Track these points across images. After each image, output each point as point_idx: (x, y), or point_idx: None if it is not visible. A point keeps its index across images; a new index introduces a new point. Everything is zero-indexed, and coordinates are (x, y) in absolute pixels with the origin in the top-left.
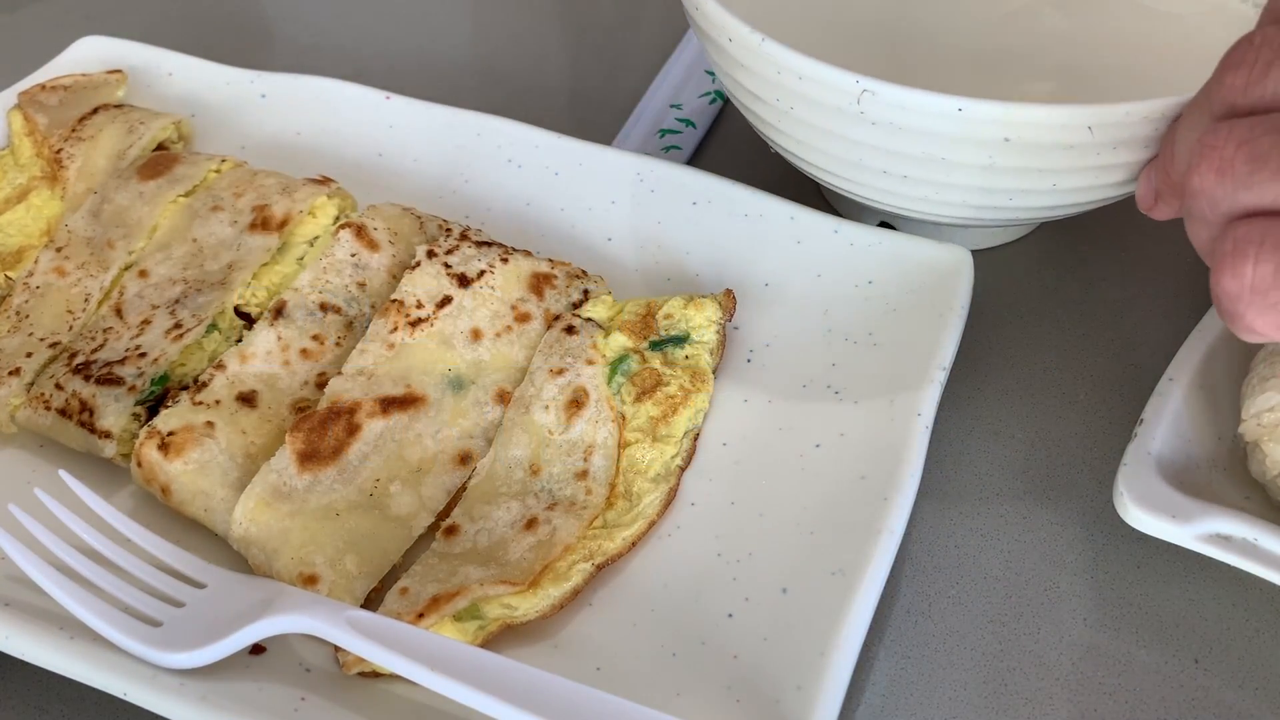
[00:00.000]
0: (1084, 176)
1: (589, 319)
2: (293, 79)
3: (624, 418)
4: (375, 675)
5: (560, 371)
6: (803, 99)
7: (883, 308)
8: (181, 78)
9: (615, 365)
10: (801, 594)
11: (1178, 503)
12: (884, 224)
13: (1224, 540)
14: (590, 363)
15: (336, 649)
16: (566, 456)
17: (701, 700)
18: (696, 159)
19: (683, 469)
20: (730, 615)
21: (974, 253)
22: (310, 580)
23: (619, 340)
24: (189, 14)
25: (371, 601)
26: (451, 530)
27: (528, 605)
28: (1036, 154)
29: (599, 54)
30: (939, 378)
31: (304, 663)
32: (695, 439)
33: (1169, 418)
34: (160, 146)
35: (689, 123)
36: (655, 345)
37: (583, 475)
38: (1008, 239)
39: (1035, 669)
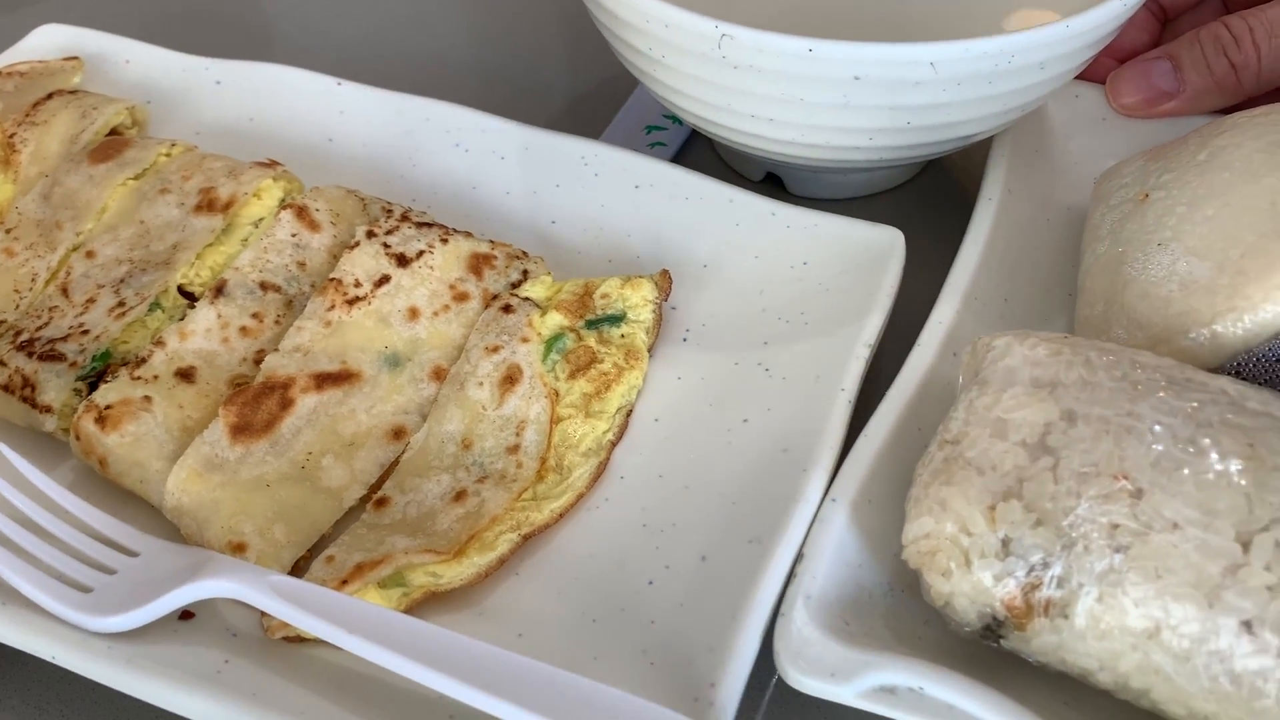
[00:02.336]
0: (936, 114)
1: (526, 298)
2: (246, 66)
3: (557, 394)
4: (300, 640)
5: (495, 349)
6: (671, 47)
7: (816, 288)
8: (138, 65)
9: (551, 343)
10: (719, 562)
11: (835, 655)
12: (770, 175)
13: (889, 694)
14: (525, 340)
15: (262, 614)
16: (499, 431)
17: (617, 663)
18: (682, 157)
19: (614, 444)
20: (650, 583)
21: (863, 199)
22: (239, 548)
23: (555, 319)
24: (159, 7)
25: (300, 570)
26: (382, 502)
27: (453, 573)
28: (886, 91)
29: (597, 50)
30: (864, 354)
31: (231, 628)
32: (628, 415)
33: (833, 546)
34: (114, 132)
35: (675, 119)
36: (591, 324)
37: (514, 450)
38: (894, 183)
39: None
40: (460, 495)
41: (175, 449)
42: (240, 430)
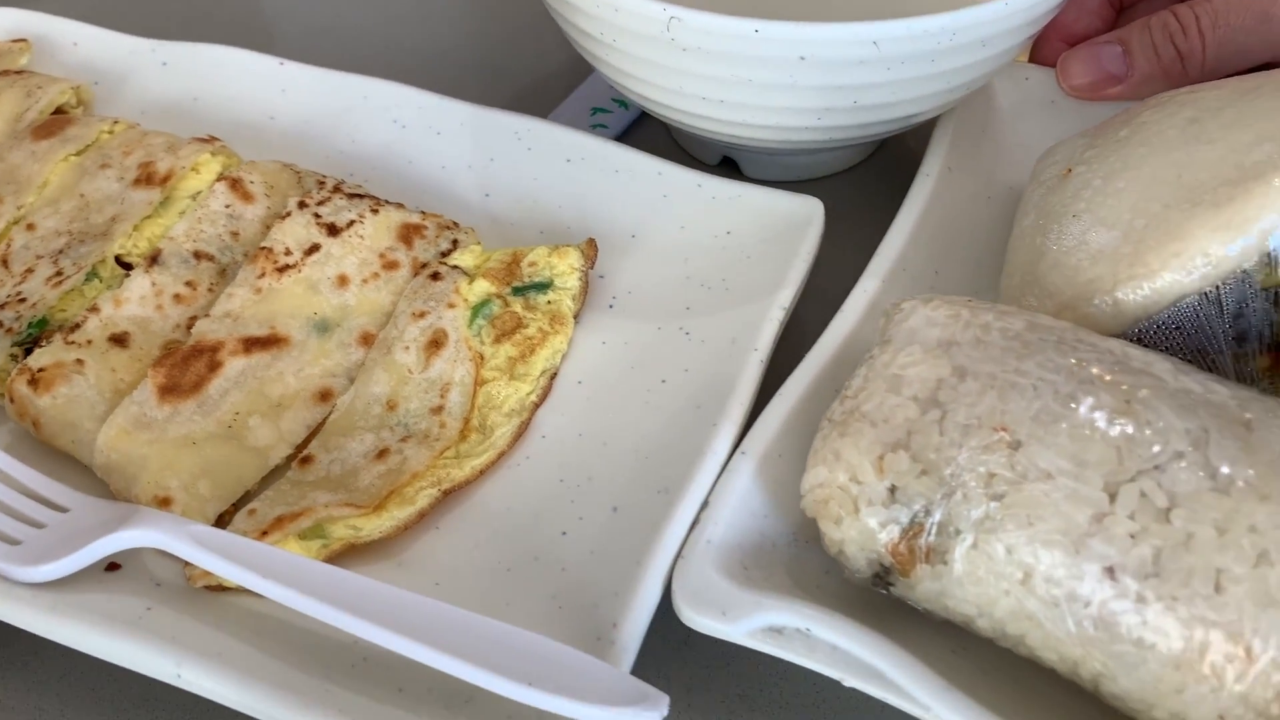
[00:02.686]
0: (881, 93)
1: (455, 266)
2: (191, 47)
3: (482, 358)
4: (221, 589)
5: (422, 314)
6: (621, 30)
7: (739, 256)
8: (85, 47)
9: (477, 309)
10: (630, 512)
11: (729, 596)
12: (726, 159)
13: (777, 634)
14: (452, 306)
15: (185, 564)
16: (424, 393)
17: (528, 608)
18: (635, 142)
19: (537, 405)
20: (564, 533)
21: (818, 181)
22: (164, 502)
23: (483, 286)
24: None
25: (224, 524)
26: (306, 460)
27: (372, 526)
28: (832, 71)
29: (558, 37)
30: (778, 316)
31: (155, 579)
32: (552, 378)
33: (739, 495)
34: (60, 111)
35: (622, 103)
36: (518, 290)
37: (438, 410)
38: (848, 164)
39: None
40: (383, 453)
41: (107, 410)
42: (168, 391)
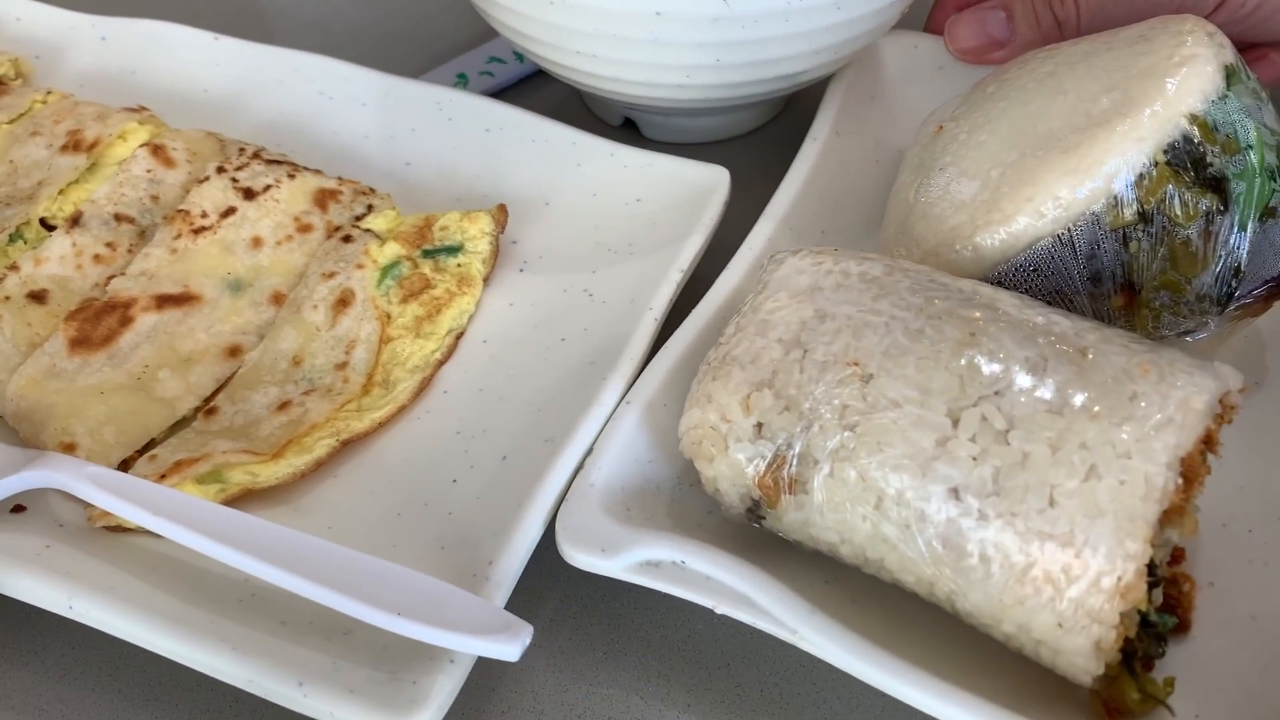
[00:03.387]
0: (742, 51)
1: (368, 230)
2: (129, 23)
3: (389, 317)
4: (121, 530)
5: (332, 275)
6: None
7: (646, 222)
8: (28, 22)
9: (386, 270)
10: (517, 460)
11: (608, 533)
12: (628, 121)
13: (653, 568)
14: (360, 267)
15: (86, 506)
16: (330, 350)
17: (413, 549)
18: (549, 104)
19: (441, 362)
20: (454, 481)
21: (719, 144)
22: (69, 447)
23: (393, 249)
24: None
25: (128, 469)
26: (211, 411)
27: (269, 472)
28: (690, 28)
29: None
30: (675, 278)
31: (58, 519)
32: (458, 337)
33: (623, 441)
34: None
35: (519, 57)
36: (428, 253)
37: (342, 366)
38: (747, 127)
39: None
40: (285, 405)
41: (20, 363)
42: (79, 343)
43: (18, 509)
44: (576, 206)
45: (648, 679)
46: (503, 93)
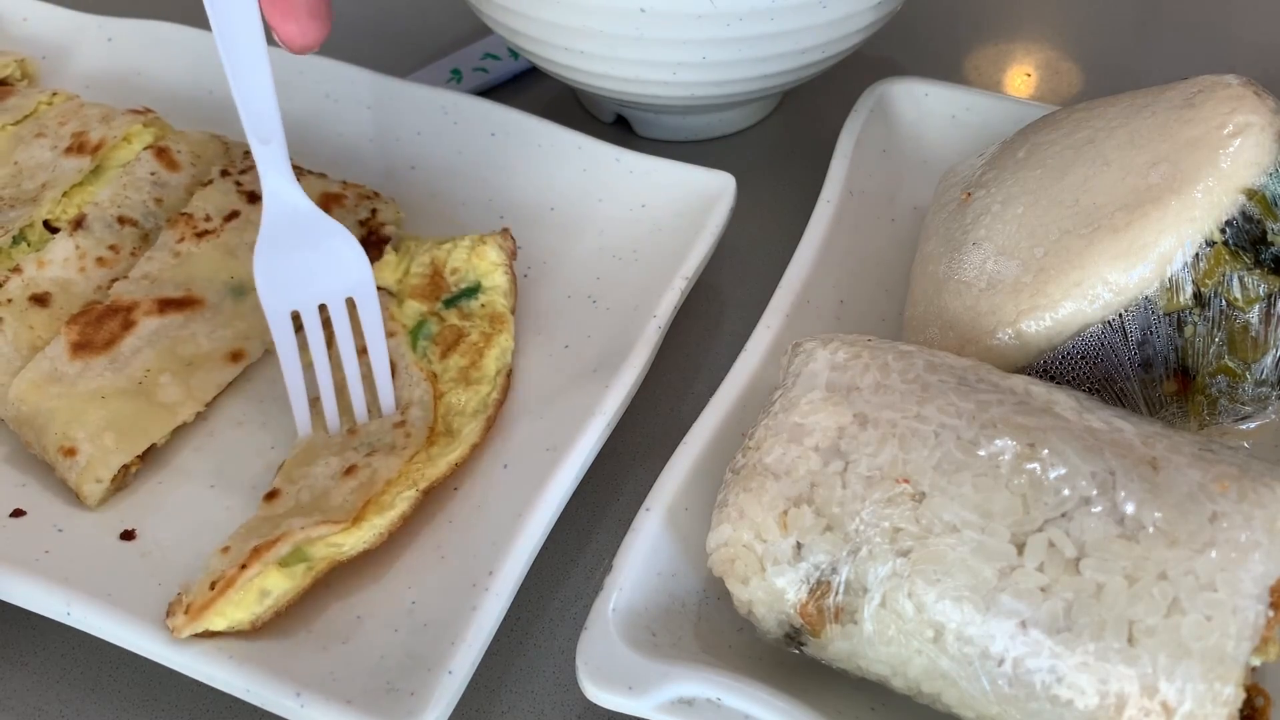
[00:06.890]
0: (728, 49)
1: (381, 288)
2: (136, 24)
3: (435, 375)
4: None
5: (364, 350)
6: None
7: (650, 228)
8: (35, 23)
9: (416, 331)
10: (519, 469)
11: (633, 667)
12: (619, 118)
13: (687, 705)
14: (392, 335)
15: (169, 615)
16: (384, 419)
17: (413, 563)
18: (543, 101)
19: (501, 401)
20: (456, 489)
21: (710, 142)
22: (70, 452)
23: (413, 307)
24: None
25: (130, 477)
26: (272, 495)
27: (354, 540)
28: (674, 25)
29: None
30: (680, 285)
31: (57, 525)
32: (509, 375)
33: (644, 555)
34: (4, 83)
35: (514, 54)
36: (449, 303)
37: (401, 424)
38: (737, 126)
39: None
40: (351, 470)
41: (23, 367)
42: (81, 347)
43: (17, 513)
44: (581, 212)
45: None
46: (497, 89)
